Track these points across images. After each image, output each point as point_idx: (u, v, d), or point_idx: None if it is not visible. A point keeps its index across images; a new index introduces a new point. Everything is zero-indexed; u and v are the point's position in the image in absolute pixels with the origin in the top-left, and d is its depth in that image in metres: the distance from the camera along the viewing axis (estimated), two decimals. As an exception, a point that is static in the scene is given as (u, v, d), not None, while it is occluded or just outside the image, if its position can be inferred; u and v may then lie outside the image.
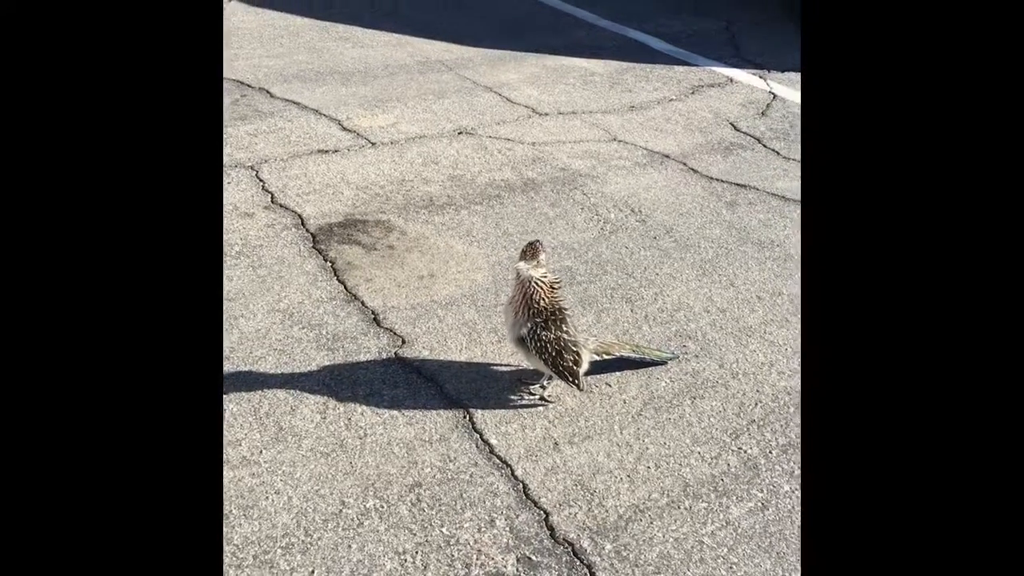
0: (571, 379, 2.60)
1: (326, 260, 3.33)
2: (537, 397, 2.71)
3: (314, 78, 4.98)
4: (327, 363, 2.78)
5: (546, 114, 4.78)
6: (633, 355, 2.82)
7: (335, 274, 3.25)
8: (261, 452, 2.41)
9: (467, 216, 3.73)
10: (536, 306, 2.54)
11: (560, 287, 2.60)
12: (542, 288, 2.53)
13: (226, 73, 4.91)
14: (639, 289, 3.32)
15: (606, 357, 2.75)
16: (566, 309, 2.61)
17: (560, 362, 2.56)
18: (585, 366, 2.67)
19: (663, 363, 2.89)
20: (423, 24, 5.96)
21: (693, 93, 5.23)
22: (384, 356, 2.85)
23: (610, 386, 2.79)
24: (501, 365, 2.85)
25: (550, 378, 2.68)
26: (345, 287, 3.18)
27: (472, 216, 3.73)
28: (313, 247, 3.40)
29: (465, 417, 2.60)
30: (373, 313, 3.06)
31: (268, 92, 4.74)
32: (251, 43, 5.40)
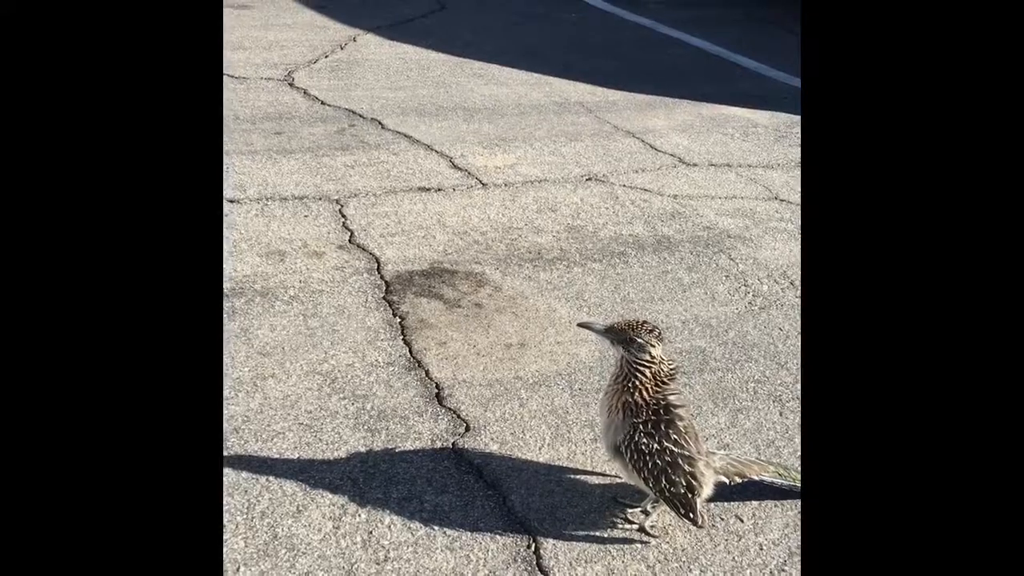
0: (682, 509, 1.81)
1: (395, 315, 2.68)
2: (636, 527, 1.94)
3: (434, 112, 4.43)
4: (362, 448, 2.11)
5: (694, 164, 4.02)
6: (779, 480, 2.01)
7: (402, 333, 2.60)
8: (238, 570, 1.74)
9: (580, 275, 3.01)
10: (636, 402, 1.79)
11: (676, 377, 1.84)
12: (644, 374, 1.78)
13: (339, 103, 4.44)
14: (794, 386, 2.49)
15: (739, 480, 1.95)
16: (681, 408, 1.83)
17: (667, 484, 1.79)
18: (707, 491, 1.88)
19: (820, 494, 2.06)
20: (566, 65, 5.35)
21: (877, 152, 4.36)
22: (438, 446, 2.15)
23: (742, 521, 1.98)
24: (594, 474, 2.10)
25: (656, 502, 1.90)
26: (410, 350, 2.52)
27: (587, 275, 3.01)
28: (383, 298, 2.76)
29: (530, 546, 1.85)
30: (437, 387, 2.37)
31: (380, 123, 4.21)
32: (375, 74, 4.93)
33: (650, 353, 1.79)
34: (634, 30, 6.39)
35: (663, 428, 1.78)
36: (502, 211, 3.41)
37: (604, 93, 4.95)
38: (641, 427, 1.79)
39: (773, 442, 2.26)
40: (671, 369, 1.82)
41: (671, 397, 1.82)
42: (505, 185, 3.65)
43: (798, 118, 4.77)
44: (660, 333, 1.82)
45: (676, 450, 1.78)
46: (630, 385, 1.80)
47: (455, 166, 3.80)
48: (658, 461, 1.77)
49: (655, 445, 1.78)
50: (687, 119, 4.65)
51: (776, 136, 4.48)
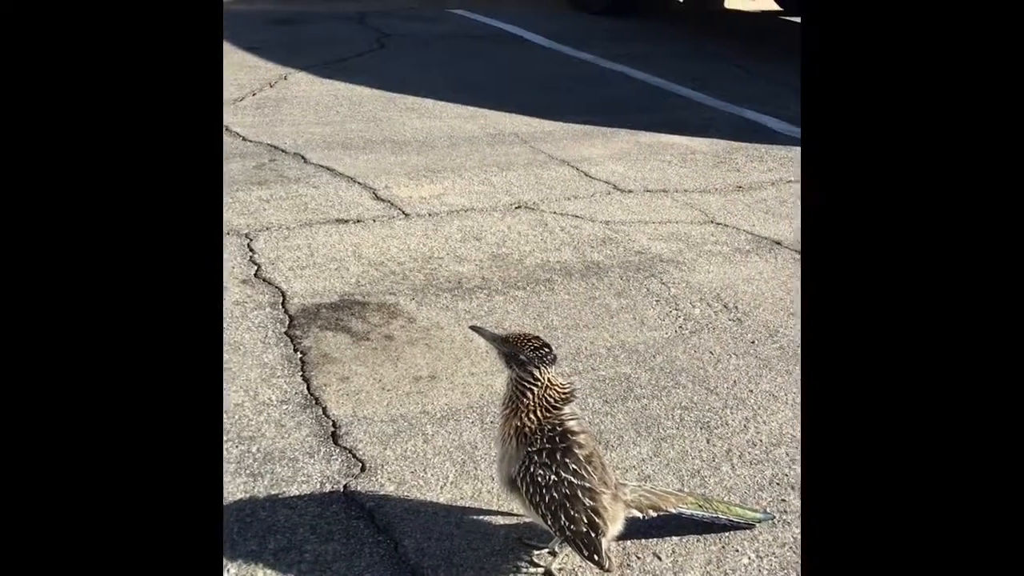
0: (585, 550, 1.61)
1: (296, 350, 2.48)
2: (542, 571, 1.74)
3: (361, 146, 4.27)
4: (241, 496, 1.90)
5: (629, 191, 3.88)
6: (699, 512, 1.82)
7: (301, 368, 2.40)
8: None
9: (502, 303, 2.83)
10: (528, 428, 1.60)
11: (571, 398, 1.66)
12: (527, 396, 1.60)
13: (261, 138, 4.26)
14: (723, 412, 2.32)
15: (654, 514, 1.76)
16: (581, 435, 1.64)
17: (567, 521, 1.59)
18: (615, 528, 1.69)
19: (749, 527, 1.88)
20: (504, 99, 5.22)
21: (818, 175, 4.24)
22: (328, 489, 1.94)
23: (660, 559, 1.79)
24: (499, 514, 1.91)
25: (563, 542, 1.71)
26: (308, 387, 2.32)
27: (509, 303, 2.83)
28: (285, 332, 2.57)
29: (421, 597, 1.65)
30: (334, 425, 2.17)
31: (303, 157, 4.04)
32: (302, 110, 4.77)
33: (533, 374, 1.61)
34: (576, 65, 6.30)
35: (559, 457, 1.59)
36: (423, 241, 3.23)
37: (540, 124, 4.82)
38: (536, 456, 1.60)
39: (698, 471, 2.08)
40: (564, 393, 1.64)
41: (569, 422, 1.63)
42: (429, 215, 3.48)
43: (738, 144, 4.67)
44: (550, 353, 1.63)
45: (575, 481, 1.59)
46: (518, 407, 1.61)
47: (378, 197, 3.62)
48: (555, 494, 1.58)
49: (551, 476, 1.58)
50: (624, 147, 4.52)
51: (715, 162, 4.36)
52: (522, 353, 1.62)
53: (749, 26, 8.11)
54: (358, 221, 3.38)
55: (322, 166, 3.95)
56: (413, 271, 3.00)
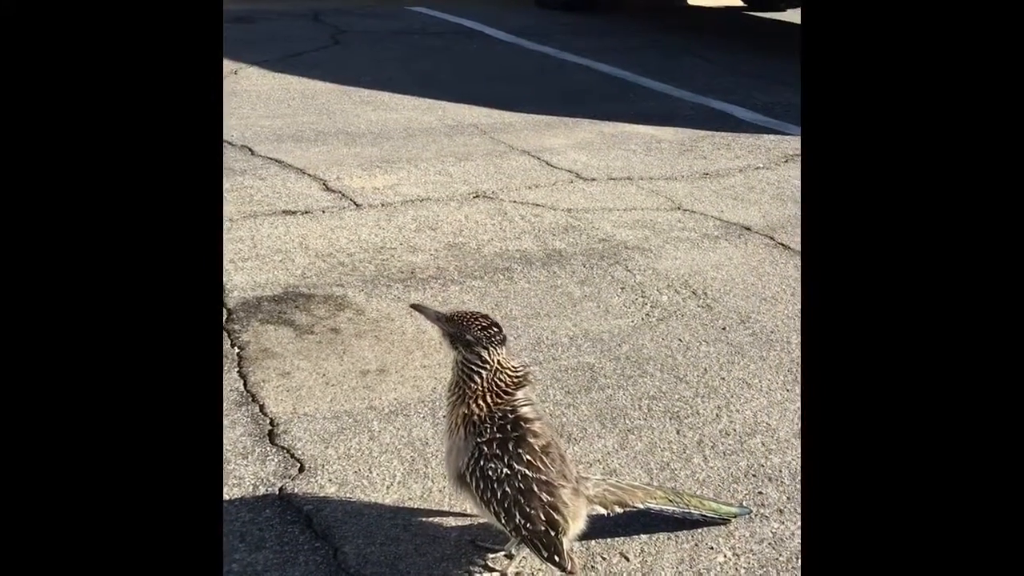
0: (544, 551, 1.44)
1: (233, 345, 2.30)
2: (498, 575, 1.57)
3: (313, 138, 4.08)
4: (163, 501, 1.71)
5: (592, 179, 3.73)
6: (669, 507, 1.66)
7: (238, 364, 2.21)
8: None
9: (457, 293, 2.66)
10: (478, 416, 1.43)
11: (524, 382, 1.49)
12: (475, 381, 1.43)
13: (208, 130, 4.06)
14: (694, 401, 2.16)
15: (619, 510, 1.60)
16: (537, 422, 1.47)
17: (523, 519, 1.42)
18: (576, 526, 1.52)
19: (724, 522, 1.73)
20: (463, 91, 5.06)
21: (786, 162, 4.12)
22: (261, 492, 1.76)
23: (628, 560, 1.63)
24: (451, 514, 1.74)
25: (520, 543, 1.53)
26: (245, 383, 2.13)
27: (465, 293, 2.66)
28: (223, 326, 2.38)
29: (361, 609, 1.47)
30: (271, 423, 1.99)
31: (250, 150, 3.84)
32: (252, 104, 4.57)
33: (481, 355, 1.44)
34: (538, 58, 6.15)
35: (511, 448, 1.42)
36: (375, 231, 3.05)
37: (500, 115, 4.66)
38: (485, 448, 1.43)
39: (668, 464, 1.92)
40: (516, 377, 1.47)
41: (523, 409, 1.46)
42: (382, 205, 3.30)
43: (704, 132, 4.53)
44: (499, 332, 1.46)
45: (530, 474, 1.42)
46: (464, 393, 1.44)
47: (328, 188, 3.44)
48: (507, 489, 1.41)
49: (503, 469, 1.41)
50: (587, 137, 4.37)
51: (681, 150, 4.22)
52: (469, 333, 1.45)
53: (712, 21, 8.01)
54: (306, 212, 3.19)
55: (270, 158, 3.76)
56: (363, 262, 2.82)
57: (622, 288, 2.75)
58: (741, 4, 8.62)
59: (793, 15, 8.28)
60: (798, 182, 3.81)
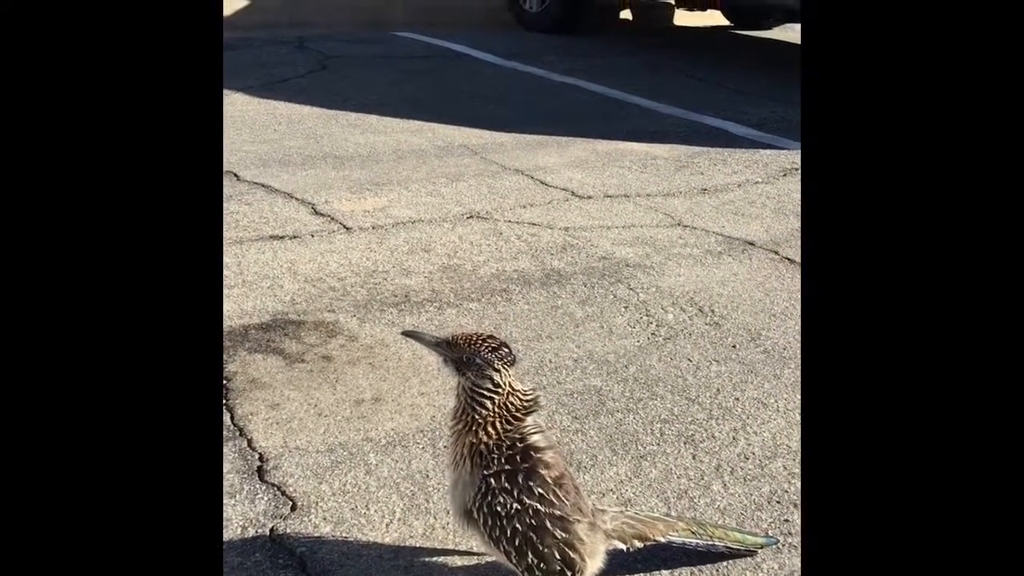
0: (560, 592, 1.31)
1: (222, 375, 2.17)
2: (509, 620, 1.44)
3: (300, 162, 3.97)
4: (144, 546, 1.58)
5: (588, 197, 3.63)
6: (692, 540, 1.54)
7: (225, 396, 2.09)
8: None
9: (454, 316, 2.55)
10: (485, 445, 1.31)
11: (534, 407, 1.37)
12: (485, 407, 1.32)
13: (192, 157, 3.94)
14: (708, 423, 2.05)
15: (639, 544, 1.48)
16: (548, 451, 1.35)
17: (535, 558, 1.30)
18: (595, 564, 1.40)
19: (750, 554, 1.60)
20: (453, 113, 4.96)
21: (785, 175, 4.03)
22: (250, 534, 1.63)
23: (649, 598, 1.50)
24: (456, 553, 1.61)
25: (533, 583, 1.41)
26: (232, 416, 2.00)
27: (462, 316, 2.55)
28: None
29: (362, 662, 1.34)
30: (260, 458, 1.86)
31: (235, 175, 3.73)
32: (237, 130, 4.46)
33: (493, 379, 1.32)
34: (526, 79, 6.07)
35: (522, 480, 1.30)
36: (366, 255, 2.94)
37: (492, 136, 4.56)
38: (493, 480, 1.31)
39: (686, 492, 1.80)
40: (527, 401, 1.35)
41: (533, 437, 1.34)
42: (372, 228, 3.19)
43: (700, 149, 4.44)
44: (509, 353, 1.35)
45: (543, 509, 1.30)
46: (471, 421, 1.32)
47: (316, 212, 3.33)
48: (518, 526, 1.29)
49: (513, 504, 1.29)
50: (581, 155, 4.28)
51: (677, 167, 4.13)
52: (478, 356, 1.33)
53: (699, 40, 7.97)
54: (294, 237, 3.08)
55: (256, 183, 3.64)
56: (355, 286, 2.70)
57: (625, 307, 2.64)
58: (727, 23, 8.60)
59: (778, 33, 8.26)
60: (799, 196, 3.72)
